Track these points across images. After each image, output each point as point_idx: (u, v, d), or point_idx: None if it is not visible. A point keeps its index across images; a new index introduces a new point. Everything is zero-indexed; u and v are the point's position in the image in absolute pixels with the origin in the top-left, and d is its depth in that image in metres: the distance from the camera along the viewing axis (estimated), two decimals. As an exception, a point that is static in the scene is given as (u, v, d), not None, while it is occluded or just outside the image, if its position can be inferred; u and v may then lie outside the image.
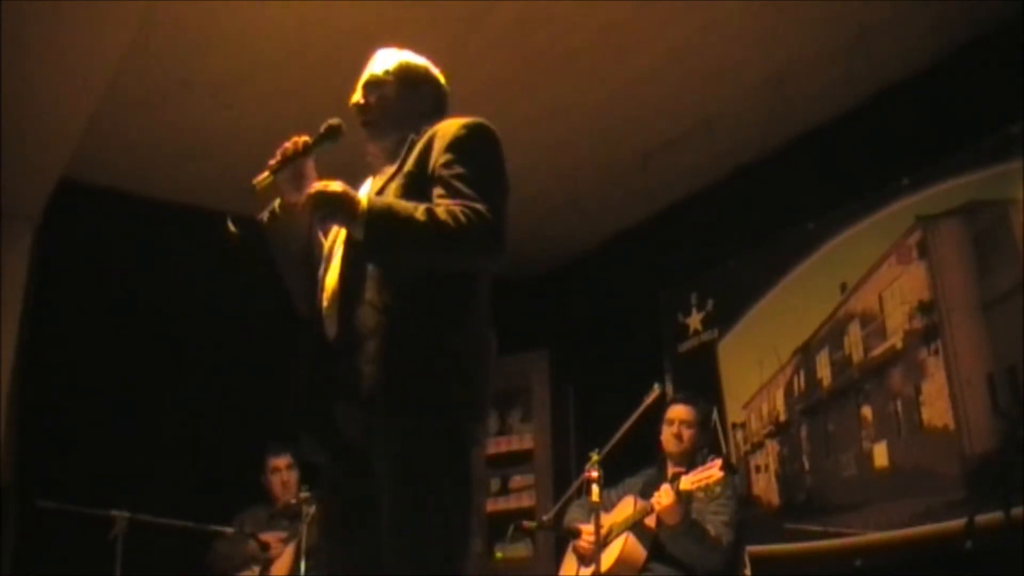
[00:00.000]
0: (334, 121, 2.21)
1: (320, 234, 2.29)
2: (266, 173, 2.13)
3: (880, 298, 4.24)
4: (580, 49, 4.19)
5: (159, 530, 3.81)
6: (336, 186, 2.04)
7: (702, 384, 4.97)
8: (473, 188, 2.06)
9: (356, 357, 2.05)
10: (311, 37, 3.94)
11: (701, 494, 3.55)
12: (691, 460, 3.83)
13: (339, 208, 2.01)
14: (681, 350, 5.18)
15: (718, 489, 3.57)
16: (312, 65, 4.07)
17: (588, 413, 5.45)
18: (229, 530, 4.13)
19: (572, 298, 5.94)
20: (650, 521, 3.63)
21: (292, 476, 4.38)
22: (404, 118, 2.29)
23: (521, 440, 5.57)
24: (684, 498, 3.53)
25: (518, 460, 5.56)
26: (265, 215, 2.19)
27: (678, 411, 3.87)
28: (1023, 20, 3.78)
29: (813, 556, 4.31)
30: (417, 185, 2.12)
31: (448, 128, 2.18)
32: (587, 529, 3.74)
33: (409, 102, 2.32)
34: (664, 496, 3.52)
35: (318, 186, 2.04)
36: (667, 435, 3.85)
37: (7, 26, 3.42)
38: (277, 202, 2.20)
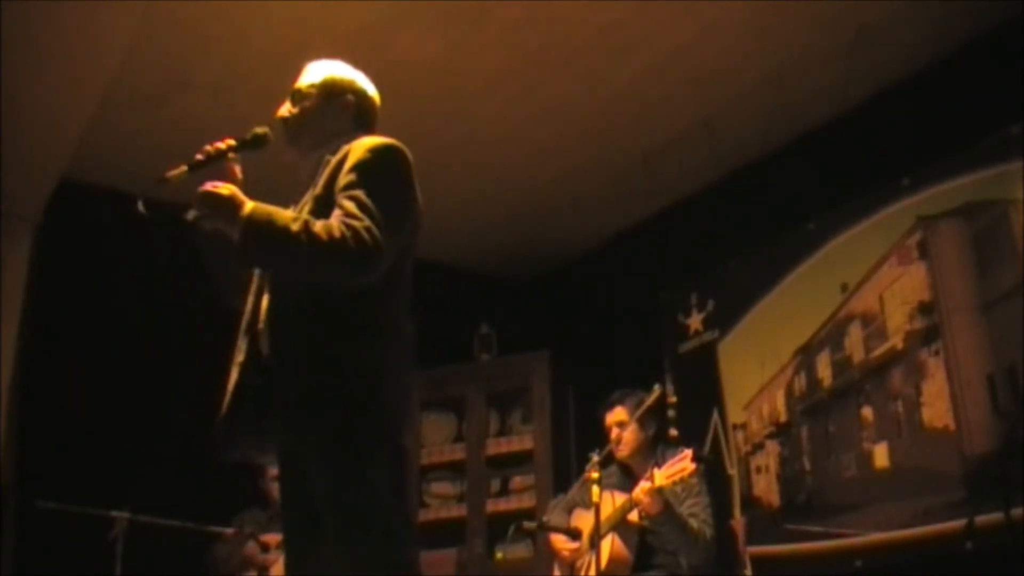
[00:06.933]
0: (261, 129, 2.30)
1: None
2: (183, 168, 2.20)
3: (880, 298, 4.24)
4: (580, 49, 4.19)
5: (159, 530, 3.81)
6: (224, 188, 2.11)
7: (702, 384, 4.97)
8: (363, 208, 2.10)
9: (280, 373, 2.13)
10: (311, 37, 3.94)
11: (678, 488, 3.58)
12: (652, 453, 3.85)
13: (220, 209, 2.09)
14: (681, 350, 5.17)
15: (693, 480, 3.60)
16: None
17: (588, 413, 5.44)
18: (229, 531, 4.12)
19: (572, 298, 5.94)
20: (633, 516, 3.65)
21: None
22: (323, 132, 2.35)
23: (521, 440, 5.56)
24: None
25: (518, 460, 5.55)
26: (190, 214, 2.22)
27: (610, 417, 3.89)
28: (1023, 20, 3.78)
29: (814, 557, 4.30)
30: (325, 208, 2.16)
31: (358, 149, 2.23)
32: (564, 543, 3.80)
33: (327, 116, 2.37)
34: (643, 491, 3.55)
35: (207, 186, 2.12)
36: (612, 443, 3.85)
37: (7, 26, 3.42)
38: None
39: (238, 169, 2.28)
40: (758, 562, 4.29)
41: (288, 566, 2.29)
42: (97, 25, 3.59)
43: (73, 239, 4.72)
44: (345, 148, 2.26)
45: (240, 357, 2.24)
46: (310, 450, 2.12)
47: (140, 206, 2.22)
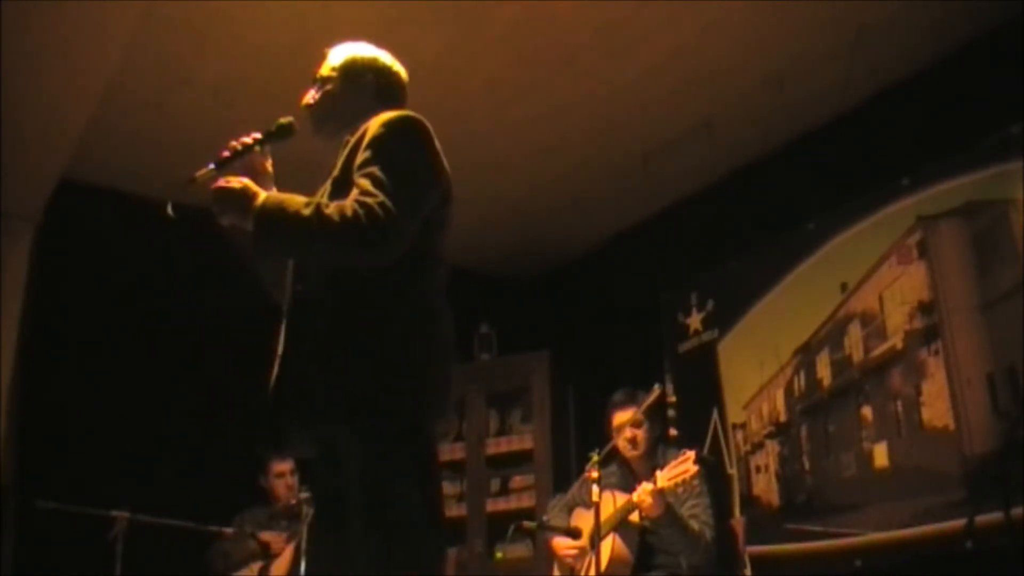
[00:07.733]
0: (285, 119, 2.24)
1: None
2: (210, 166, 2.15)
3: (880, 298, 4.24)
4: (580, 49, 4.19)
5: (159, 530, 3.81)
6: (236, 183, 2.07)
7: (702, 384, 4.97)
8: (377, 183, 2.03)
9: (301, 364, 2.08)
10: (311, 37, 3.93)
11: (679, 489, 3.59)
12: (653, 453, 3.87)
13: (232, 204, 2.06)
14: (681, 350, 5.17)
15: (695, 482, 3.62)
16: (312, 65, 4.07)
17: (588, 413, 5.45)
18: (229, 530, 4.13)
19: (572, 298, 5.94)
20: (634, 517, 3.65)
21: (295, 480, 4.39)
22: (346, 113, 2.30)
23: (521, 440, 5.57)
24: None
25: (518, 460, 5.56)
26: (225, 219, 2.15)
27: (622, 416, 3.89)
28: (1023, 20, 3.78)
29: (813, 556, 4.31)
30: (344, 190, 2.10)
31: (373, 126, 2.16)
32: (566, 544, 3.80)
33: (349, 97, 2.32)
34: (644, 492, 3.57)
35: (219, 183, 2.08)
36: (621, 443, 3.86)
37: (7, 26, 3.42)
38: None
39: (268, 163, 2.25)
40: (758, 562, 4.29)
41: (313, 560, 2.26)
42: (97, 25, 3.59)
43: (73, 239, 4.72)
44: (363, 127, 2.19)
45: (280, 350, 2.17)
46: (328, 444, 2.08)
47: (169, 209, 2.20)
